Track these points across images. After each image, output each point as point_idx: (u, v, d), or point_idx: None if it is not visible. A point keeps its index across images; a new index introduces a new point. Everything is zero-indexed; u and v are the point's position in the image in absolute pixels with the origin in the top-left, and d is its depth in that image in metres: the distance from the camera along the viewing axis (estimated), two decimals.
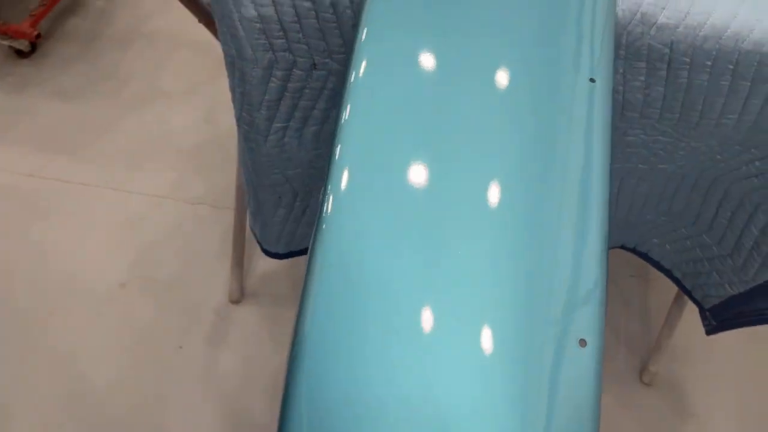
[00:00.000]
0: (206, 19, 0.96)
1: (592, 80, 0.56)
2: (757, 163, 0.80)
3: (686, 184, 0.87)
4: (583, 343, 0.43)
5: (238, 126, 0.81)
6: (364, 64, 0.56)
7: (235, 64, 0.75)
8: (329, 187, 0.50)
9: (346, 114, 0.53)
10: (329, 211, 0.48)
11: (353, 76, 0.56)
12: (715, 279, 0.95)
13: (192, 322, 1.31)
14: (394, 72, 0.56)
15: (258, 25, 0.70)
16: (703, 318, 1.03)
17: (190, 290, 1.36)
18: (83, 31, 1.85)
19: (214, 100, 1.69)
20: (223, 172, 1.54)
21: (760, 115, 0.73)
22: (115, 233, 1.43)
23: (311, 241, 0.49)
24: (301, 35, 0.72)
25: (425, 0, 0.61)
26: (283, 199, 0.89)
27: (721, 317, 0.99)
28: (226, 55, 0.75)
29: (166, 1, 1.91)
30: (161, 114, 1.66)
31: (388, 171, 0.50)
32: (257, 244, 1.04)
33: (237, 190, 1.23)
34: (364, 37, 0.58)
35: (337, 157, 0.51)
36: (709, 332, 1.04)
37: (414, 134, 0.52)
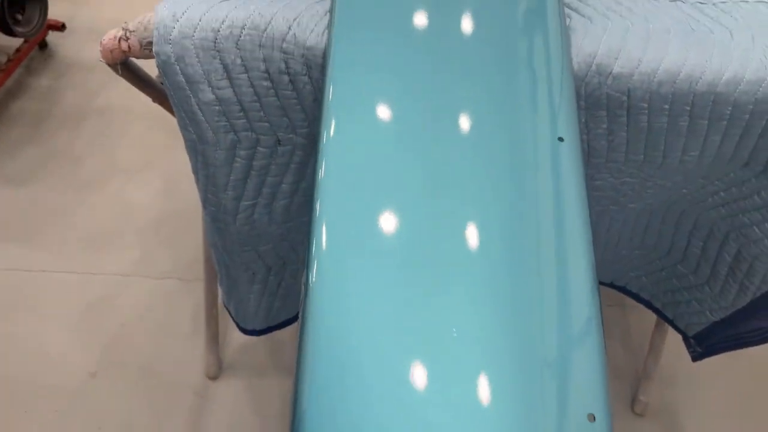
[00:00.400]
0: (161, 98, 0.95)
1: (560, 139, 0.57)
2: (722, 194, 0.81)
3: (656, 218, 0.88)
4: (591, 417, 0.42)
5: (204, 207, 0.79)
6: (333, 123, 0.56)
7: (196, 148, 0.73)
8: (313, 249, 0.48)
9: (321, 172, 0.52)
10: (314, 276, 0.47)
11: (324, 135, 0.55)
12: (695, 307, 0.96)
13: (170, 404, 1.25)
14: (364, 130, 0.56)
15: (217, 107, 0.69)
16: (688, 345, 1.04)
17: (165, 371, 1.30)
18: (30, 113, 1.81)
19: (172, 171, 1.66)
20: (188, 243, 1.51)
21: (720, 150, 0.75)
22: (81, 319, 1.37)
23: (301, 310, 0.47)
24: (262, 114, 0.71)
25: (389, 57, 0.62)
26: (256, 276, 0.86)
27: (705, 344, 0.99)
28: (186, 139, 0.73)
29: (115, 74, 1.90)
30: (119, 190, 1.62)
31: (369, 227, 0.49)
32: (232, 320, 1.01)
33: (205, 261, 1.20)
34: (331, 96, 0.58)
35: (317, 214, 0.50)
36: (695, 359, 1.04)
37: (393, 192, 0.52)
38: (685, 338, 1.03)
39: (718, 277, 0.90)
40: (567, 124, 0.57)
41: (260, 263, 0.85)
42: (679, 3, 0.78)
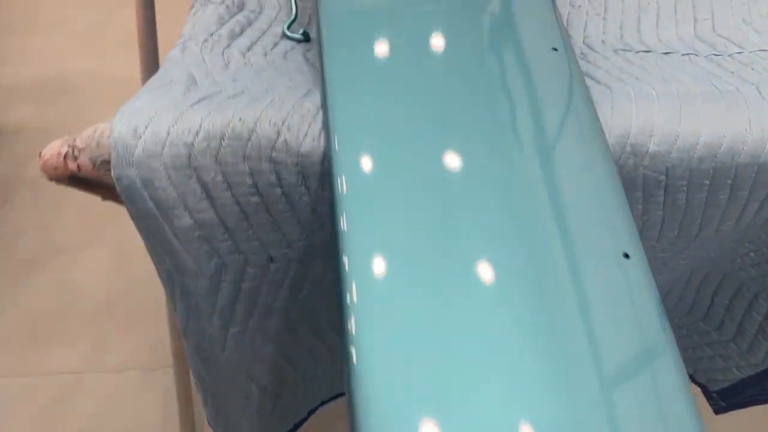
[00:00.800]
0: (114, 196, 0.81)
1: (626, 255, 0.48)
2: (752, 255, 0.76)
3: (679, 283, 0.82)
4: None
5: (185, 338, 0.67)
6: (344, 176, 0.52)
7: (173, 279, 0.61)
8: (347, 301, 0.46)
9: (343, 224, 0.49)
10: (354, 329, 0.44)
11: (338, 186, 0.51)
12: (720, 363, 0.90)
13: None
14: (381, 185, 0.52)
15: (197, 233, 0.57)
16: (709, 398, 0.98)
17: None
18: None
19: (119, 243, 1.50)
20: (147, 326, 1.36)
21: (756, 216, 0.68)
22: (32, 430, 1.20)
23: (345, 372, 0.44)
24: (251, 233, 0.59)
25: (403, 156, 0.54)
26: (250, 400, 0.75)
27: (732, 399, 0.94)
28: (160, 270, 0.61)
29: (47, 136, 1.71)
30: (62, 272, 1.45)
31: (407, 282, 0.47)
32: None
33: (173, 343, 1.07)
34: (337, 147, 0.53)
35: (346, 268, 0.47)
36: (717, 412, 0.99)
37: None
38: (706, 392, 0.97)
39: (745, 335, 0.85)
40: (629, 237, 0.49)
41: (253, 386, 0.73)
42: (692, 56, 0.72)
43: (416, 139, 0.55)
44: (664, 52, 0.72)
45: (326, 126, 0.56)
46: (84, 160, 0.58)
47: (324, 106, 0.57)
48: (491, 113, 0.56)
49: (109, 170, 0.57)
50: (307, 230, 0.61)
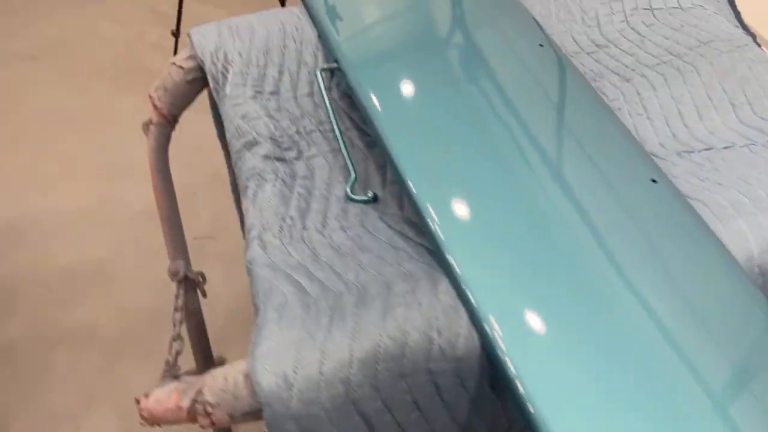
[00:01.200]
0: None
1: None
2: None
3: None
4: None
5: None
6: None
7: None
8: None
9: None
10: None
11: (519, 386, 0.50)
12: None
13: None
14: None
15: None
16: None
17: None
18: None
19: (123, 400, 1.36)
20: None
21: None
22: None
23: None
24: None
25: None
26: None
27: None
28: None
29: (16, 287, 1.55)
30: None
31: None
32: None
33: None
34: (505, 349, 0.51)
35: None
36: None
37: None
38: None
39: None
40: None
41: None
42: (751, 147, 0.74)
43: (576, 311, 0.53)
44: (724, 146, 0.74)
45: (474, 319, 0.52)
46: (220, 415, 0.51)
47: (462, 297, 0.54)
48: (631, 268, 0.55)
49: (250, 419, 0.51)
50: (463, 425, 0.57)
